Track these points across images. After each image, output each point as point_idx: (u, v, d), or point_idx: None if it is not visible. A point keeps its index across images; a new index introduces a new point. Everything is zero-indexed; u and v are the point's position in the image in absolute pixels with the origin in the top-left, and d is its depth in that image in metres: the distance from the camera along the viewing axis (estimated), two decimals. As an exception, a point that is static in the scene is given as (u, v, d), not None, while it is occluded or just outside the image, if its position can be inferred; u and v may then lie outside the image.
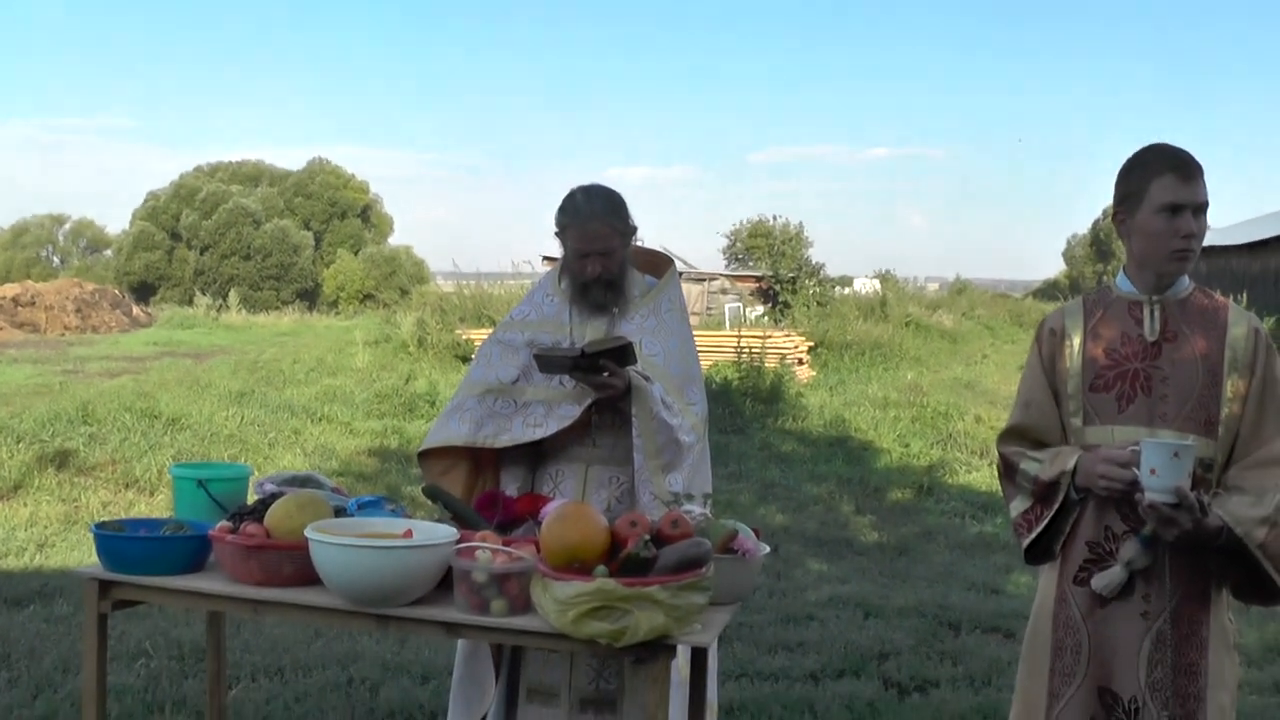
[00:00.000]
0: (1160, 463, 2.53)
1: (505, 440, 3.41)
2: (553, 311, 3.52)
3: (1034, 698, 2.83)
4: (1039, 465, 2.80)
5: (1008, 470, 2.91)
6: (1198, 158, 2.75)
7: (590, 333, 3.44)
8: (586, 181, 3.47)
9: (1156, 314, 2.78)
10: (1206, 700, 2.69)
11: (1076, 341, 2.83)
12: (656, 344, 3.41)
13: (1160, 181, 2.71)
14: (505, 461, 3.51)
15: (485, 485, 3.51)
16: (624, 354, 3.23)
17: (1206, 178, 2.74)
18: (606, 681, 3.37)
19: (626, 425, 3.33)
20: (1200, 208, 2.72)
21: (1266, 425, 2.71)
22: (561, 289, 3.52)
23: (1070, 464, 2.73)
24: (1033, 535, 2.82)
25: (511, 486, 3.47)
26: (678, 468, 3.30)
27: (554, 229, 3.42)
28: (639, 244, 3.57)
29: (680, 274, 3.74)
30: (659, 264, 3.63)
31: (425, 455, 3.51)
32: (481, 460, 3.52)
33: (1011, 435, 2.92)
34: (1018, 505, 2.87)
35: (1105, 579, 2.71)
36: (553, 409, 3.38)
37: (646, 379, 3.31)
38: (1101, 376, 2.78)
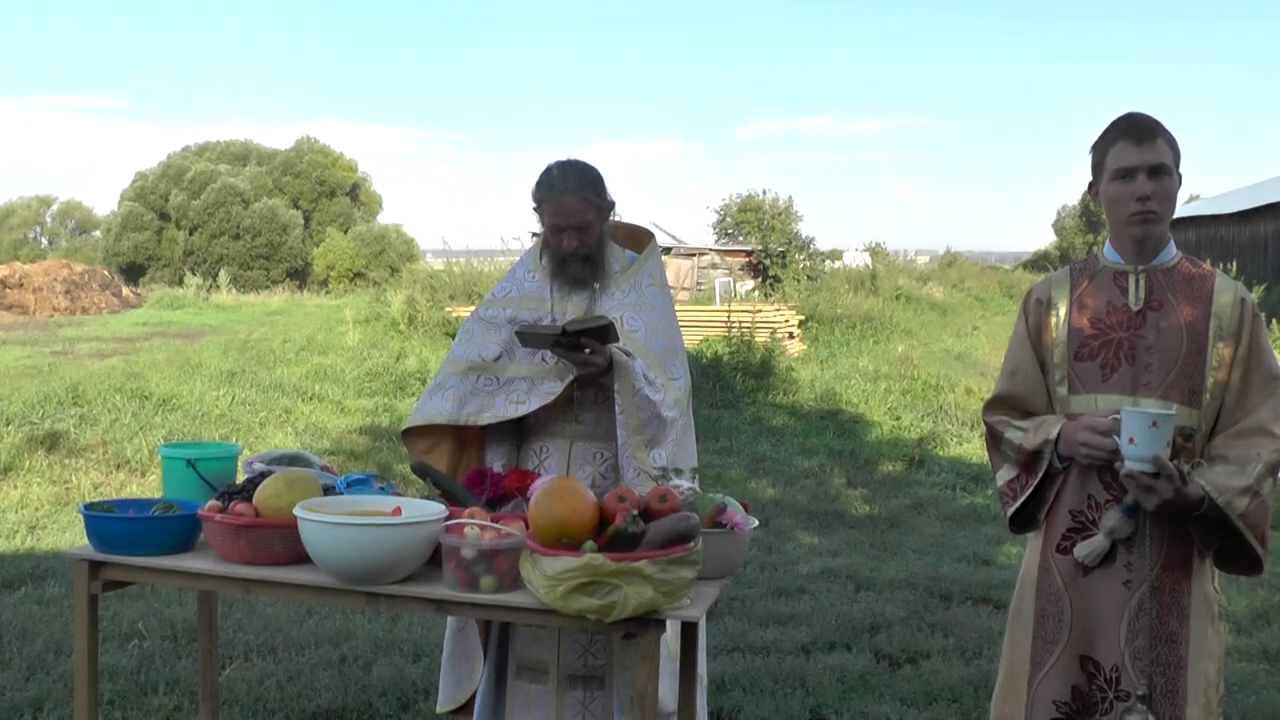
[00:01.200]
0: (1138, 431, 2.54)
1: (488, 417, 3.40)
2: (534, 288, 3.51)
3: (1018, 665, 2.85)
4: (1023, 434, 2.81)
5: (993, 439, 2.93)
6: (1158, 120, 2.74)
7: (571, 308, 3.43)
8: (572, 157, 3.46)
9: (1141, 283, 2.78)
10: (1188, 668, 2.70)
11: (1062, 311, 2.84)
12: (638, 319, 3.41)
13: (1115, 149, 2.74)
14: (489, 439, 3.51)
15: (470, 463, 3.50)
16: (605, 333, 3.22)
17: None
18: (594, 657, 3.38)
19: (609, 401, 3.32)
20: (1155, 169, 2.71)
21: (1251, 394, 2.71)
22: (542, 265, 3.50)
23: (1053, 433, 2.74)
24: (1017, 504, 2.84)
25: (496, 464, 3.47)
26: (661, 443, 3.29)
27: (531, 205, 3.41)
28: (619, 219, 3.56)
29: (670, 249, 3.74)
30: (640, 238, 3.62)
31: (409, 434, 3.50)
32: (465, 438, 3.51)
33: (997, 404, 2.93)
34: (1003, 474, 2.89)
35: (1088, 548, 2.72)
36: (535, 385, 3.38)
37: (628, 355, 3.30)
38: (1086, 345, 2.79)
